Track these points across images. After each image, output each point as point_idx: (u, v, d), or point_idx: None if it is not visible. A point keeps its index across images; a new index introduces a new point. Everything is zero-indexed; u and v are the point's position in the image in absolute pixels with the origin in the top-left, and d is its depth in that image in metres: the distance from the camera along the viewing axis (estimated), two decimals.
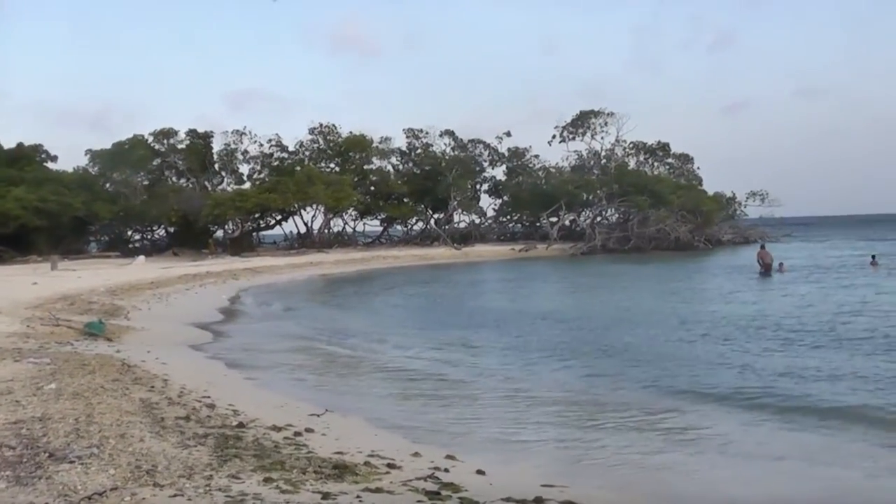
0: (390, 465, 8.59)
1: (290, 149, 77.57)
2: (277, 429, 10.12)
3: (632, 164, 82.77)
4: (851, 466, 9.24)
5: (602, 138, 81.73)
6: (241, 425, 10.18)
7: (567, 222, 78.17)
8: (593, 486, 8.44)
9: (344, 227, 79.84)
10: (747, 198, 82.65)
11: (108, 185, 67.85)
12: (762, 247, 42.20)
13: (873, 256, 41.98)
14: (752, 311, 24.57)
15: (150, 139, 72.23)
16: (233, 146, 75.74)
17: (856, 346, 16.99)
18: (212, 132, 75.45)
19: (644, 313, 25.38)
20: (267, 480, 7.44)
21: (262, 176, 74.47)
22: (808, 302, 26.49)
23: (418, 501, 7.33)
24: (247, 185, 73.59)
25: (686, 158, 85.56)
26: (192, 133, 74.00)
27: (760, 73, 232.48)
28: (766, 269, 38.93)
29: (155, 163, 72.07)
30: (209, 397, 12.01)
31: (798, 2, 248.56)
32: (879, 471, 9.08)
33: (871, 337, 18.11)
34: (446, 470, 8.55)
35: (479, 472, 8.60)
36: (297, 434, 9.98)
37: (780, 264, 40.31)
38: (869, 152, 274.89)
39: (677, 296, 31.02)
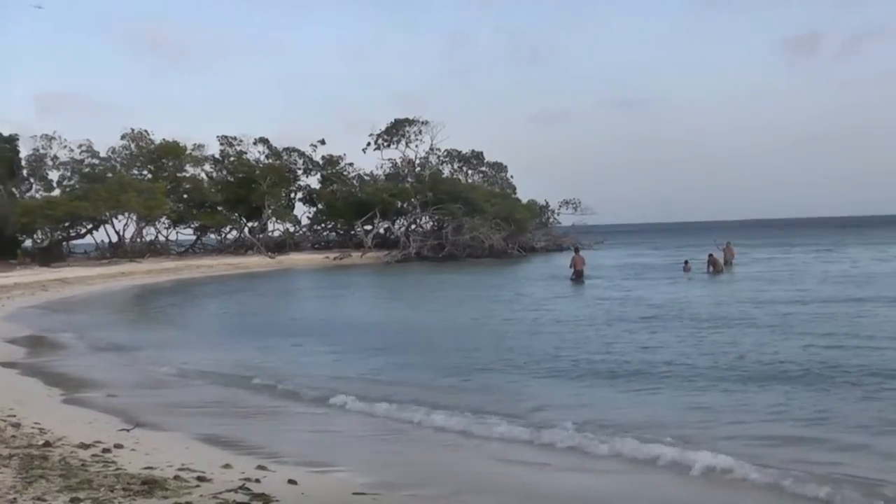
0: (200, 478, 8.51)
1: (102, 155, 75.13)
2: (85, 446, 9.88)
3: (446, 172, 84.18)
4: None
5: (416, 146, 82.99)
6: (47, 444, 9.89)
7: (382, 230, 78.79)
8: (404, 494, 8.65)
9: (157, 236, 77.99)
10: (560, 206, 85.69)
11: None
12: (576, 251, 43.15)
13: (686, 261, 43.82)
14: (555, 315, 25.68)
15: None
16: (42, 151, 72.46)
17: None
18: (17, 135, 71.89)
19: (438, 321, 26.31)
20: (74, 501, 7.27)
21: (72, 183, 71.76)
22: (613, 306, 27.83)
23: None
24: (56, 193, 70.63)
25: (500, 167, 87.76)
26: None
27: (573, 83, 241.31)
28: (577, 275, 39.88)
29: None
30: (15, 416, 11.63)
31: (607, 17, 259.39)
32: None
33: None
34: (257, 480, 8.55)
35: (291, 481, 8.63)
36: (106, 451, 9.75)
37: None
38: (678, 162, 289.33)
39: (484, 303, 31.74)
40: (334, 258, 70.95)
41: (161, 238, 78.07)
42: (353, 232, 78.83)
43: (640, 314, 24.72)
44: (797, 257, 55.37)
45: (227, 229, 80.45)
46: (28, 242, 69.43)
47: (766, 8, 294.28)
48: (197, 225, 78.44)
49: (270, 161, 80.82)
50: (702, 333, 20.05)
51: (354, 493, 8.35)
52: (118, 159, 75.49)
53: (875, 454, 9.53)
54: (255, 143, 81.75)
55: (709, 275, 40.43)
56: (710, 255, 42.73)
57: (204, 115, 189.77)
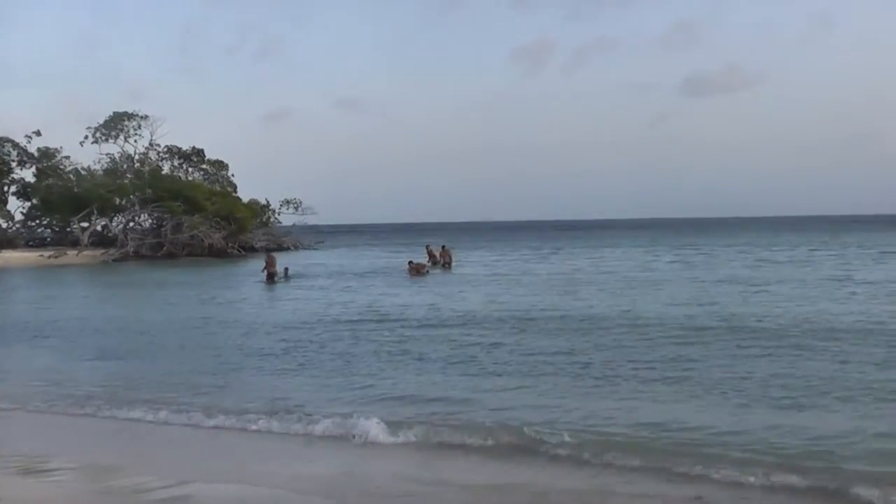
0: None
1: None
2: None
3: (166, 168, 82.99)
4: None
5: (136, 141, 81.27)
6: None
7: (99, 227, 76.47)
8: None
9: None
10: (281, 205, 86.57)
11: None
12: (268, 252, 43.61)
13: (410, 262, 45.19)
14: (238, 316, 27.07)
15: None
16: None
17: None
18: None
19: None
20: None
21: None
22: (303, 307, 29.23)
23: None
24: None
25: (221, 165, 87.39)
26: None
27: (302, 82, 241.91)
28: (270, 277, 40.71)
29: None
30: None
31: (341, 17, 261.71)
32: None
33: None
34: None
35: None
36: None
37: (286, 269, 42.58)
38: (406, 164, 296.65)
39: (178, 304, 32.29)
40: (49, 256, 68.01)
41: None
42: (69, 229, 75.83)
43: (336, 314, 26.44)
44: (513, 260, 59.04)
45: None
46: None
47: (498, 17, 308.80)
48: None
49: None
50: (370, 329, 22.53)
51: None
52: None
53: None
54: None
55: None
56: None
57: None
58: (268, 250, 44.46)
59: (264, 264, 41.90)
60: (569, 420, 12.04)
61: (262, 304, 31.53)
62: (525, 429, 11.33)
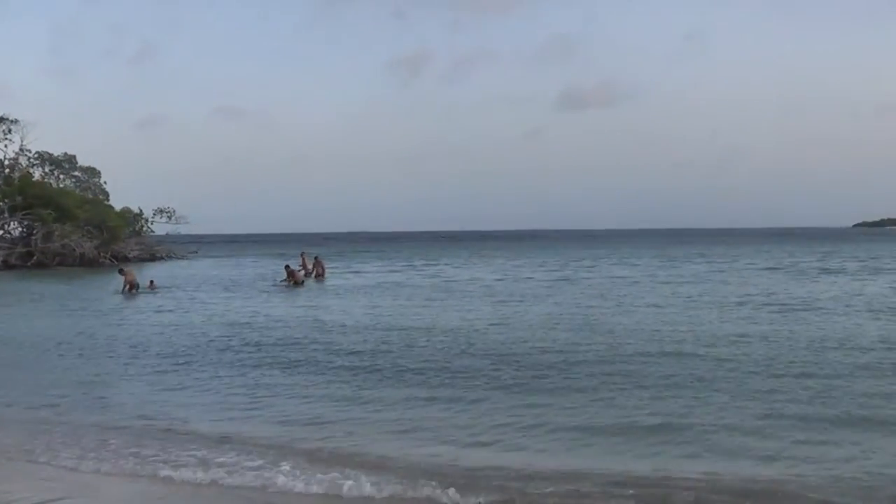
0: None
1: None
2: None
3: (37, 175, 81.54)
4: None
5: (6, 147, 79.63)
6: None
7: None
8: None
9: None
10: (154, 214, 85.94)
11: None
12: (122, 269, 42.77)
13: (287, 266, 45.78)
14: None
15: None
16: None
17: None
18: None
19: None
20: None
21: None
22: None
23: None
24: None
25: (93, 172, 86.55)
26: None
27: (179, 88, 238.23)
28: (130, 288, 39.91)
29: None
30: None
31: (220, 23, 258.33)
32: None
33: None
34: None
35: None
36: None
37: (151, 282, 41.84)
38: (282, 173, 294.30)
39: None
40: None
41: None
42: None
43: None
44: (389, 270, 60.27)
45: None
46: None
47: (378, 26, 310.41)
48: None
49: None
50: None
51: None
52: None
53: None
54: None
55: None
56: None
57: None
58: (120, 270, 43.22)
59: (123, 281, 40.57)
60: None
61: (118, 318, 30.25)
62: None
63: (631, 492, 9.58)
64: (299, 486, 10.12)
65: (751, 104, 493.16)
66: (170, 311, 31.94)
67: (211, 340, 23.05)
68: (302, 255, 51.43)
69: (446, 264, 68.14)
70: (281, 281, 44.23)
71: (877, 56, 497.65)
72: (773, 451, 11.26)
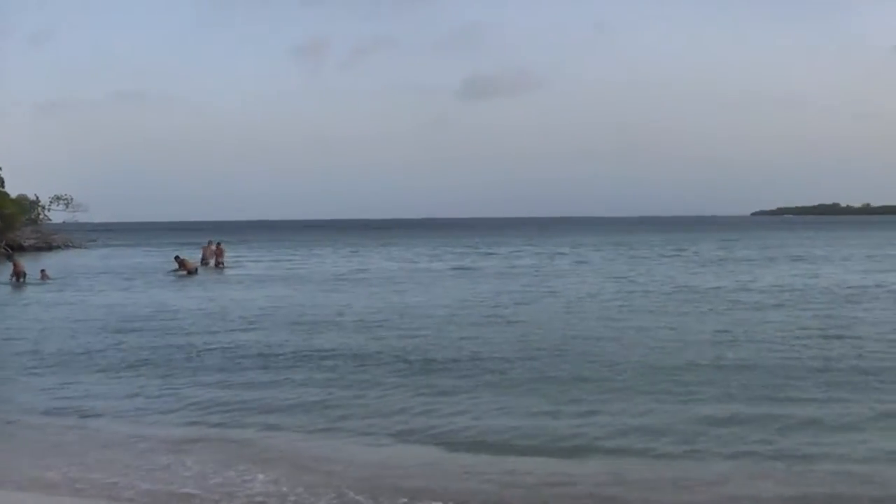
0: None
1: None
2: None
3: None
4: None
5: None
6: None
7: None
8: None
9: None
10: (51, 202, 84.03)
11: None
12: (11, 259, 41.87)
13: (177, 257, 44.97)
14: None
15: None
16: None
17: None
18: None
19: None
20: None
21: None
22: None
23: None
24: None
25: None
26: None
27: (78, 72, 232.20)
28: (17, 277, 39.15)
29: None
30: None
31: (120, 7, 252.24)
32: None
33: None
34: None
35: None
36: None
37: (42, 271, 40.64)
38: (185, 159, 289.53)
39: None
40: None
41: None
42: None
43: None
44: (287, 258, 60.06)
45: None
46: None
47: (281, 12, 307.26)
48: None
49: None
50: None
51: None
52: None
53: None
54: None
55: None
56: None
57: None
58: (8, 257, 41.95)
59: (12, 270, 39.83)
60: None
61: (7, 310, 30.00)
62: None
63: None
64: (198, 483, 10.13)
65: (657, 94, 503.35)
66: (59, 303, 31.13)
67: (96, 334, 22.68)
68: (208, 244, 50.89)
69: (352, 252, 68.42)
70: (172, 271, 43.59)
71: (777, 50, 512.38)
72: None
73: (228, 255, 51.19)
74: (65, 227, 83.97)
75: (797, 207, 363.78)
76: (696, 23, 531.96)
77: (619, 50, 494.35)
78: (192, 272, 43.00)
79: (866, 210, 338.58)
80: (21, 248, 70.68)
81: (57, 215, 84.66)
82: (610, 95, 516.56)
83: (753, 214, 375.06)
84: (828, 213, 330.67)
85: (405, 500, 9.29)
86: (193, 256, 47.58)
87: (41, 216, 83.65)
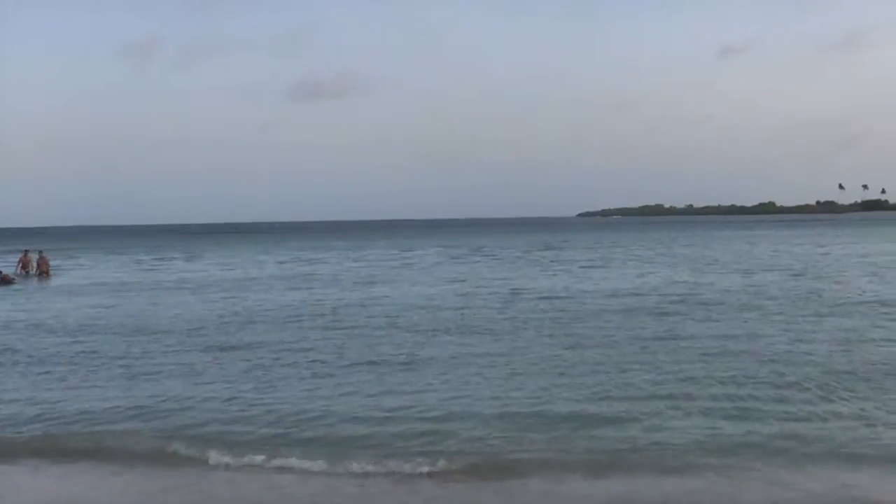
0: None
1: None
2: None
3: None
4: None
5: None
6: None
7: None
8: None
9: None
10: None
11: None
12: None
13: None
14: None
15: None
16: None
17: None
18: None
19: None
20: None
21: None
22: None
23: None
24: None
25: None
26: None
27: None
28: None
29: None
30: None
31: None
32: None
33: None
34: None
35: None
36: None
37: None
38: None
39: None
40: None
41: None
42: None
43: None
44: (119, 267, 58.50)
45: None
46: None
47: (108, 8, 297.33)
48: None
49: None
50: None
51: None
52: None
53: None
54: None
55: None
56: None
57: None
58: None
59: None
60: None
61: None
62: None
63: None
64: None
65: (482, 97, 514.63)
66: None
67: None
68: (25, 253, 49.65)
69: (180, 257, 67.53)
70: None
71: (603, 55, 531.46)
72: None
73: (53, 264, 50.15)
74: None
75: (622, 209, 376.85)
76: (524, 27, 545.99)
77: (445, 54, 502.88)
78: (8, 282, 41.69)
79: (689, 210, 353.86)
80: None
81: None
82: (436, 99, 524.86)
83: (579, 216, 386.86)
84: (652, 214, 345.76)
85: None
86: (6, 267, 45.95)
87: None
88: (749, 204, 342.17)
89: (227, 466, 11.39)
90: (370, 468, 10.96)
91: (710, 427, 12.45)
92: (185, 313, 28.61)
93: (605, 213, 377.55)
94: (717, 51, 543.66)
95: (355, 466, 11.02)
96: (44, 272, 47.47)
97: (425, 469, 10.84)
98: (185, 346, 21.28)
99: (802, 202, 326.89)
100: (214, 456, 11.62)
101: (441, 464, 10.97)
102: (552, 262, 55.07)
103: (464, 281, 39.61)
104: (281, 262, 60.45)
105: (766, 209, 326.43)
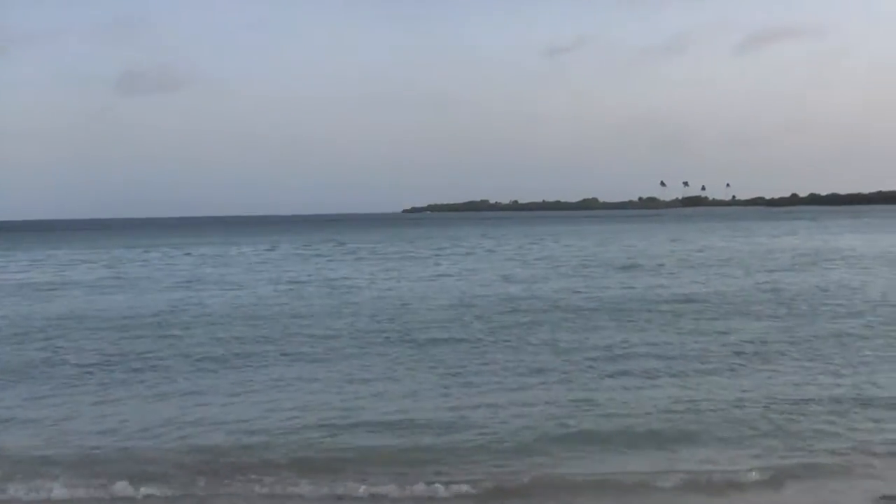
0: None
1: None
2: None
3: None
4: None
5: None
6: None
7: None
8: None
9: None
10: None
11: None
12: None
13: None
14: None
15: None
16: None
17: None
18: None
19: None
20: None
21: None
22: None
23: None
24: None
25: None
26: None
27: None
28: None
29: None
30: None
31: None
32: None
33: None
34: None
35: None
36: None
37: None
38: None
39: None
40: None
41: None
42: None
43: None
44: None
45: None
46: None
47: None
48: None
49: None
50: None
51: None
52: None
53: None
54: None
55: None
56: None
57: None
58: None
59: None
60: None
61: None
62: None
63: None
64: None
65: (301, 95, 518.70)
66: None
67: None
68: None
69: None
70: None
71: (427, 50, 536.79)
72: None
73: None
74: None
75: (448, 204, 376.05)
76: (360, 24, 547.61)
77: (279, 51, 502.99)
78: None
79: (514, 206, 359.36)
80: None
81: None
82: (261, 95, 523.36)
83: (405, 211, 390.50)
84: (478, 210, 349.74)
85: None
86: None
87: None
88: (573, 200, 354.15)
89: None
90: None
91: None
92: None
93: (430, 209, 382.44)
94: (545, 50, 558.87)
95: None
96: None
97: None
98: None
99: (625, 198, 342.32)
100: None
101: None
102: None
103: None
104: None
105: (590, 205, 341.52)
